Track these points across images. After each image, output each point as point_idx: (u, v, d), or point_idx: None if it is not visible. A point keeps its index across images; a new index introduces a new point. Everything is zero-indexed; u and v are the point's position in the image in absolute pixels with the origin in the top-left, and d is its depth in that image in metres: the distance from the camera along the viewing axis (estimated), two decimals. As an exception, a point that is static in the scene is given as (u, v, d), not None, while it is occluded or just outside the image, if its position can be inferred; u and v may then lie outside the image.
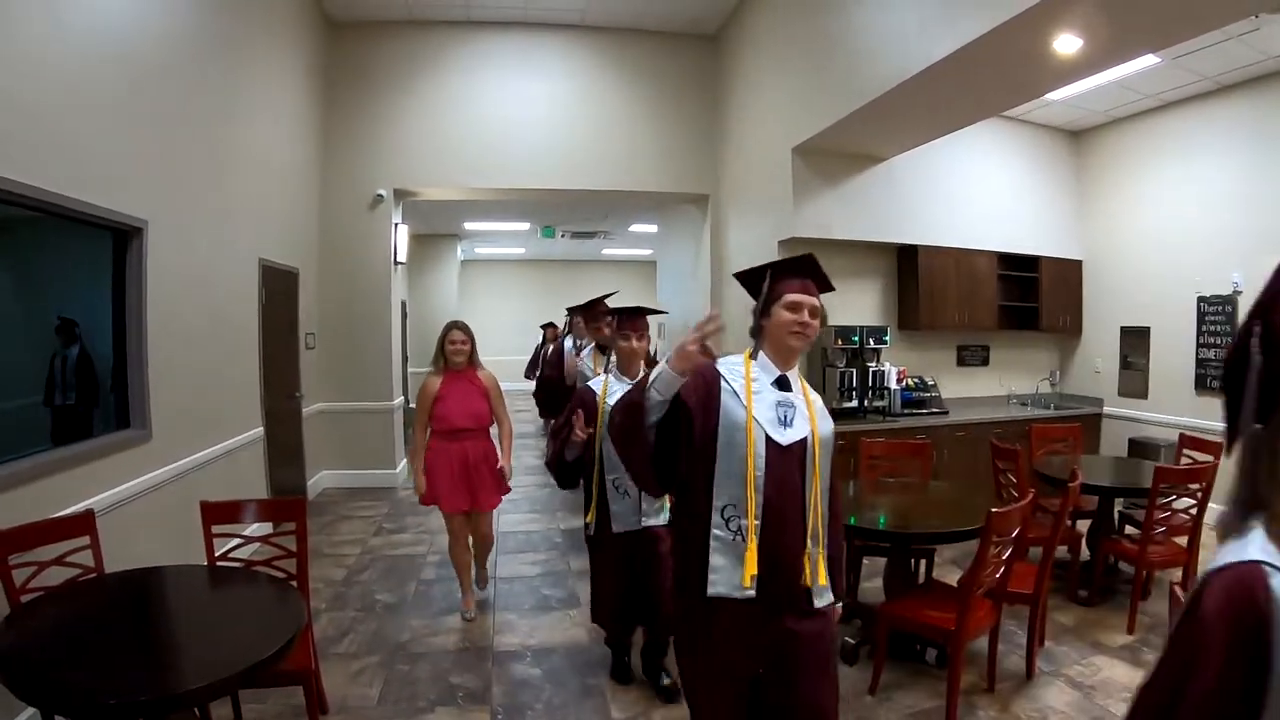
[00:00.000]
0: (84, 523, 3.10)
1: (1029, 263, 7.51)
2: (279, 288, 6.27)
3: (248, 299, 5.62)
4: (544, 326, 11.92)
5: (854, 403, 6.36)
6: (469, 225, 13.37)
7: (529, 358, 12.45)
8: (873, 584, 4.61)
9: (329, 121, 7.48)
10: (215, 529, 3.31)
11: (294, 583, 3.19)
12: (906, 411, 6.75)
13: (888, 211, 6.74)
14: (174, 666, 2.23)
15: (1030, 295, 7.55)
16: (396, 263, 7.81)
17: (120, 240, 4.01)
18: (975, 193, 7.24)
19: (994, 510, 3.08)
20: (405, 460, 7.85)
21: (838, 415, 6.24)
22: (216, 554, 3.27)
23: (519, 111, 7.77)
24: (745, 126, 7.44)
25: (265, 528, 3.52)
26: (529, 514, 6.81)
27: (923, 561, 4.25)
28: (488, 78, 7.74)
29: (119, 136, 3.82)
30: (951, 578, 4.20)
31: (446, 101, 7.66)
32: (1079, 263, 7.81)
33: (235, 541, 3.27)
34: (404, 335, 13.17)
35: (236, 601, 2.79)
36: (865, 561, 4.44)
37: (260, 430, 5.78)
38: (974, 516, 3.41)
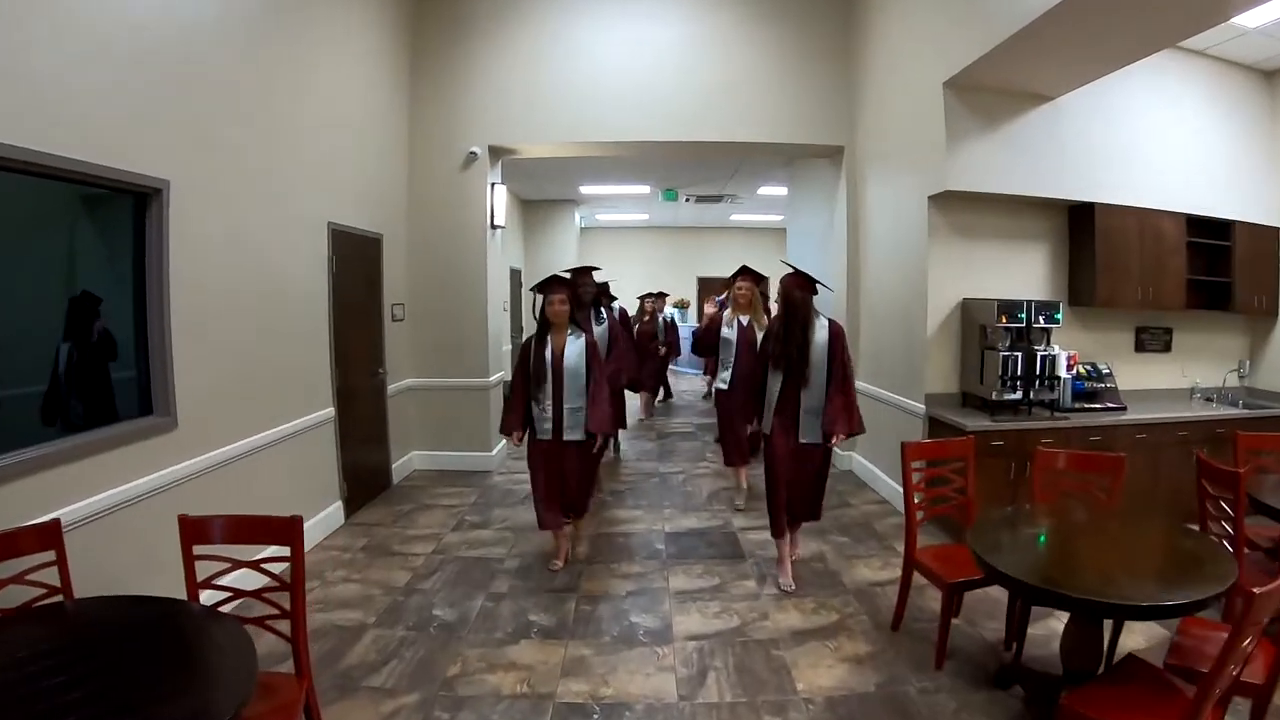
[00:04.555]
0: (46, 535, 2.56)
1: (1220, 228, 5.97)
2: (357, 255, 5.73)
3: (314, 268, 5.09)
4: (646, 297, 10.83)
5: (1017, 394, 5.17)
6: (585, 189, 12.68)
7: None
8: (1042, 630, 3.56)
9: (417, 76, 6.87)
10: (203, 550, 2.66)
11: (288, 623, 2.54)
12: (1077, 406, 5.49)
13: (1058, 161, 5.44)
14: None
15: (1220, 268, 6.01)
16: (494, 226, 7.16)
17: (140, 204, 3.51)
18: (1159, 141, 5.80)
19: (1256, 591, 2.00)
20: (503, 442, 7.25)
21: (997, 409, 5.17)
22: (214, 579, 2.63)
23: (626, 57, 6.90)
24: (887, 61, 6.28)
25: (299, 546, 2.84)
26: (632, 509, 6.04)
27: (1108, 622, 3.15)
28: (590, 22, 6.91)
29: (131, 91, 3.32)
30: (1148, 648, 3.10)
31: (545, 49, 6.88)
32: (1277, 230, 6.18)
33: (225, 566, 2.63)
34: (516, 305, 12.78)
35: (178, 655, 2.12)
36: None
37: (331, 411, 5.27)
38: (1192, 572, 2.56)
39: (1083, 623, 2.77)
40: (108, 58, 3.18)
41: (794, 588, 4.34)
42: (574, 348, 4.49)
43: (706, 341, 6.07)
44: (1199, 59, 5.96)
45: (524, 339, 4.67)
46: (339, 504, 5.44)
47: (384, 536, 5.24)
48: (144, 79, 3.40)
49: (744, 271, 5.86)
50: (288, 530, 2.56)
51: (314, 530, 5.01)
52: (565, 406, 4.44)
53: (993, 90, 5.21)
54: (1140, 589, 2.54)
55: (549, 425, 4.45)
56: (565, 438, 4.45)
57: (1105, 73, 4.96)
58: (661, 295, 11.01)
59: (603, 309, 6.10)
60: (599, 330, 5.86)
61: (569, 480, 4.57)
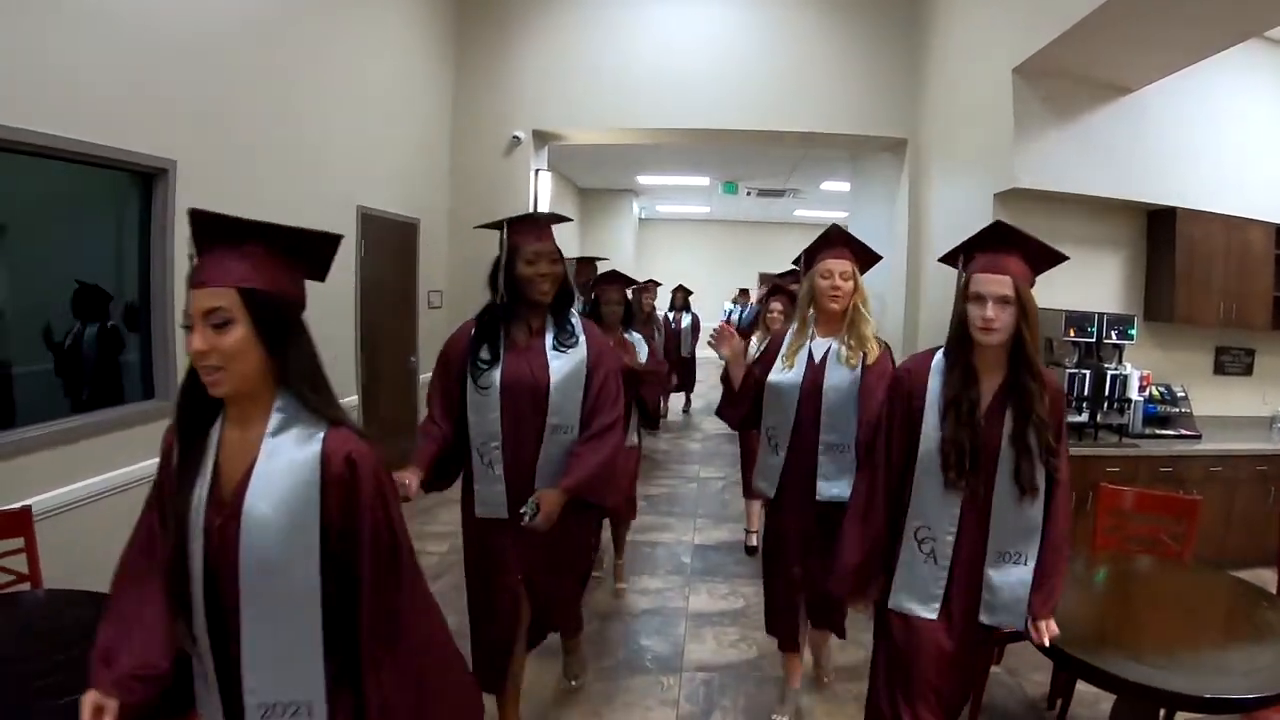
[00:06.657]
0: (17, 521, 2.52)
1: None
2: (390, 240, 5.61)
3: (341, 252, 4.90)
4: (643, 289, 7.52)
5: (1083, 416, 4.72)
6: (642, 179, 12.45)
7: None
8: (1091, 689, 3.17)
9: (461, 56, 6.69)
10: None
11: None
12: (1148, 431, 5.00)
13: (1137, 160, 4.97)
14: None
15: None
16: (537, 215, 6.97)
17: (146, 185, 3.44)
18: (1249, 143, 5.24)
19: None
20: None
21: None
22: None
23: (679, 41, 6.63)
24: (953, 45, 5.87)
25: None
26: (665, 515, 5.78)
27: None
28: (642, 3, 6.65)
29: (133, 68, 3.23)
30: None
31: (595, 31, 6.65)
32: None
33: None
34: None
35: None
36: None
37: (355, 399, 5.15)
38: (1271, 649, 2.23)
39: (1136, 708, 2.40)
40: (108, 32, 3.07)
41: None
42: (281, 490, 1.30)
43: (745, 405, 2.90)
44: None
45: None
46: (360, 494, 5.33)
47: (401, 532, 5.10)
48: (149, 55, 3.30)
49: (835, 237, 2.80)
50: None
51: (331, 521, 4.91)
52: (248, 698, 1.33)
53: (1067, 78, 4.78)
54: (1207, 673, 2.15)
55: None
56: None
57: (1190, 62, 4.49)
58: (653, 284, 8.27)
59: (572, 320, 2.59)
60: (562, 365, 2.49)
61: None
